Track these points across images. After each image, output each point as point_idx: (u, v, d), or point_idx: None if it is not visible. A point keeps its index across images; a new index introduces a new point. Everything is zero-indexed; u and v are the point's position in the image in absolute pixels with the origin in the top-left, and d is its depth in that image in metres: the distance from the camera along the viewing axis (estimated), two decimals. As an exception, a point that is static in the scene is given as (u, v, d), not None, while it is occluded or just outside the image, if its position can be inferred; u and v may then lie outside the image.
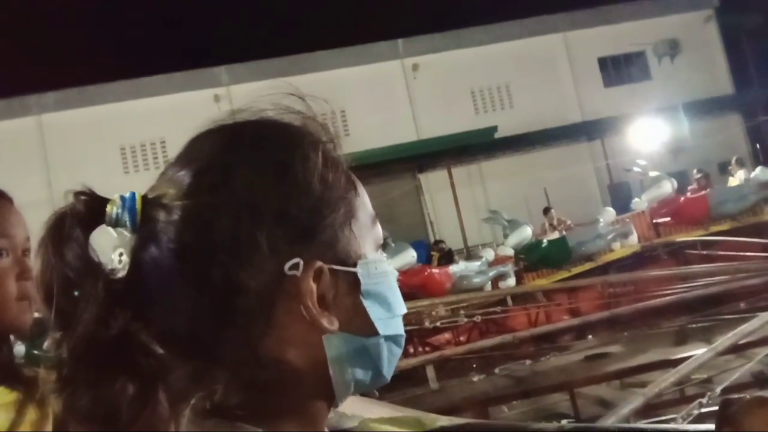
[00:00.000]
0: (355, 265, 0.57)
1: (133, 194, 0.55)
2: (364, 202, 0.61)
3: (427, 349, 8.04)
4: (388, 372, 0.60)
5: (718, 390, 4.09)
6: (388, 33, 18.94)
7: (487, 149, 16.52)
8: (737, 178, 11.60)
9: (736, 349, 4.72)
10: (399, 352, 0.61)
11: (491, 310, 8.16)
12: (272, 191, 0.54)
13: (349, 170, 0.62)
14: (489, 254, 10.40)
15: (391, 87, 18.57)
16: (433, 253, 11.69)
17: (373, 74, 18.39)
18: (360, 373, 0.58)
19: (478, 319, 7.84)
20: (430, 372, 6.79)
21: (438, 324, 7.78)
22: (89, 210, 0.55)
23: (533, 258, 10.33)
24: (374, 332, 0.57)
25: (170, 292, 0.53)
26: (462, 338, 8.51)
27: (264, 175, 0.55)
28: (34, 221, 0.59)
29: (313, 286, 0.54)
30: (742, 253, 8.07)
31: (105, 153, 16.87)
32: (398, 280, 0.62)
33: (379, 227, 0.63)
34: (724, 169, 12.41)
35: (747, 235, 9.26)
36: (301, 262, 0.53)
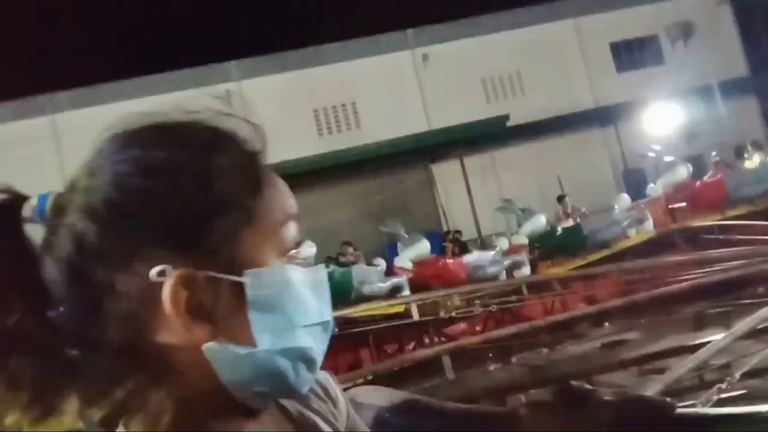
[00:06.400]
0: (240, 273, 0.55)
1: (47, 194, 0.57)
2: (271, 204, 0.59)
3: (443, 339, 8.03)
4: (298, 384, 0.58)
5: (738, 375, 4.05)
6: (397, 23, 18.88)
7: (500, 138, 16.44)
8: (754, 161, 11.46)
9: (754, 334, 4.66)
10: (312, 364, 0.59)
11: (507, 299, 8.13)
12: (147, 197, 0.54)
13: (262, 169, 0.60)
14: (503, 243, 10.36)
15: (402, 78, 18.51)
16: (445, 244, 11.67)
17: (383, 65, 18.34)
18: (257, 385, 0.56)
19: (493, 308, 7.82)
20: (447, 362, 6.78)
21: (453, 314, 7.76)
22: (6, 208, 0.57)
23: (548, 246, 10.28)
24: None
25: (63, 289, 0.54)
26: (478, 328, 8.49)
27: (140, 180, 0.54)
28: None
29: (183, 293, 0.53)
30: (760, 237, 7.98)
31: (119, 151, 16.95)
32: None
33: (290, 230, 0.60)
34: (741, 153, 12.28)
35: (765, 218, 9.15)
36: (170, 269, 0.53)
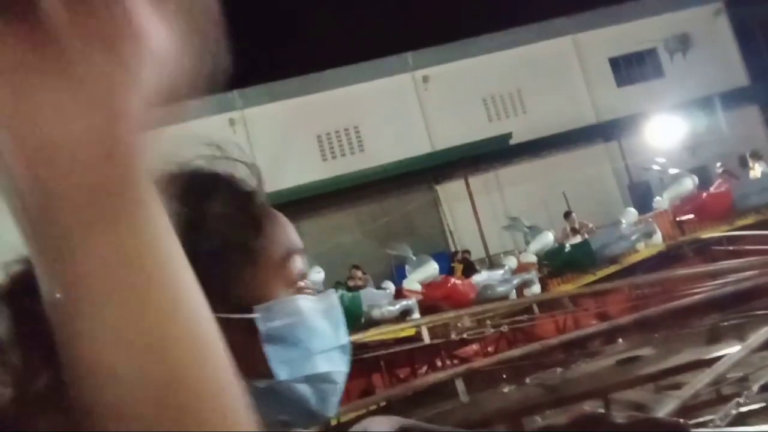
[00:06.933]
0: (250, 310, 0.56)
1: None
2: (273, 241, 0.60)
3: (455, 361, 7.96)
4: (323, 409, 0.59)
5: (756, 388, 3.98)
6: (396, 47, 19.03)
7: (503, 156, 16.48)
8: (757, 170, 11.44)
9: (771, 345, 4.61)
10: (334, 388, 0.60)
11: (518, 318, 8.07)
12: None
13: (261, 207, 0.60)
14: (511, 262, 10.32)
15: (403, 100, 18.62)
16: (454, 264, 11.63)
17: (384, 89, 18.45)
18: (281, 413, 0.57)
19: (505, 328, 7.76)
20: (460, 385, 6.71)
21: (465, 336, 7.70)
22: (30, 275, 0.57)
23: (557, 263, 10.23)
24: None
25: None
26: (490, 349, 8.42)
27: None
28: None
29: None
30: (769, 247, 7.93)
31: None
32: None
33: (295, 262, 0.61)
34: (745, 162, 12.27)
35: (773, 227, 9.10)
36: None
